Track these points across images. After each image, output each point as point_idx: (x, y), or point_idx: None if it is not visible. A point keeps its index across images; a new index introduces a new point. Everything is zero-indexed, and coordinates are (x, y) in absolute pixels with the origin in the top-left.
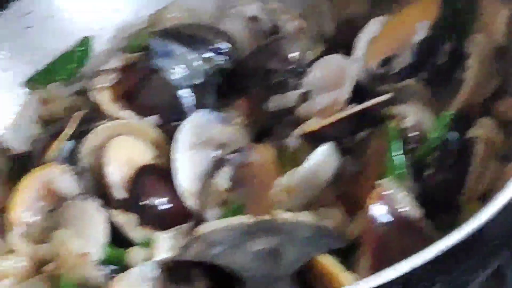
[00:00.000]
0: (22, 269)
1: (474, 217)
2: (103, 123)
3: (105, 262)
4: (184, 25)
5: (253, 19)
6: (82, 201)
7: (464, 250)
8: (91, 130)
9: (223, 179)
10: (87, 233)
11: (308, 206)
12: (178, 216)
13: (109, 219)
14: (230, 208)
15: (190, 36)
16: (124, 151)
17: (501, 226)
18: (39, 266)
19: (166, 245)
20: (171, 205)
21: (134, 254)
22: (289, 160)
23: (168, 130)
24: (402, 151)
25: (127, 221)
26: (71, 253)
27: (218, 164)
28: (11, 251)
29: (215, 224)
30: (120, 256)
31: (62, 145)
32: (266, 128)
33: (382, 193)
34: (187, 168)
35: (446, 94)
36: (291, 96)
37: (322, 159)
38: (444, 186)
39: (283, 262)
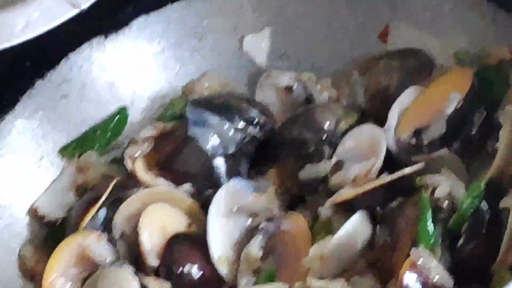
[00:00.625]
0: None
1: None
2: (138, 191)
3: None
4: (218, 94)
5: (287, 89)
6: (116, 267)
7: None
8: (125, 197)
9: (256, 247)
10: None
11: (341, 274)
12: (211, 284)
13: (142, 286)
14: (263, 275)
15: (224, 105)
16: (158, 219)
17: None
18: None
19: None
20: (204, 272)
21: None
22: (322, 229)
23: (202, 198)
24: (434, 221)
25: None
26: None
27: (251, 232)
28: None
29: None
30: None
31: (97, 212)
32: (299, 197)
33: (415, 262)
34: (220, 236)
35: (479, 164)
36: (324, 166)
37: (355, 228)
38: (476, 256)
39: None
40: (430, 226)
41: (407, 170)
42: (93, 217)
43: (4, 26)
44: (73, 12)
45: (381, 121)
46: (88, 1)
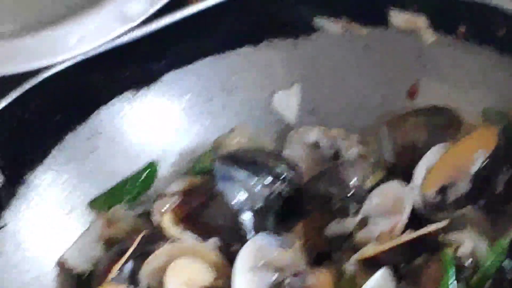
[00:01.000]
0: None
1: None
2: (164, 245)
3: None
4: (246, 150)
5: (314, 145)
6: None
7: None
8: (152, 251)
9: None
10: None
11: None
12: None
13: None
14: None
15: (252, 161)
16: (184, 272)
17: None
18: None
19: None
20: None
21: None
22: (346, 285)
23: (228, 253)
24: (457, 278)
25: None
26: None
27: (277, 287)
28: None
29: None
30: None
31: (124, 265)
32: (325, 252)
33: None
34: None
35: (503, 222)
36: (350, 222)
37: (378, 284)
38: None
39: None
40: (453, 284)
41: (432, 228)
42: (119, 270)
43: (59, 40)
44: (126, 26)
45: (408, 177)
46: (141, 16)
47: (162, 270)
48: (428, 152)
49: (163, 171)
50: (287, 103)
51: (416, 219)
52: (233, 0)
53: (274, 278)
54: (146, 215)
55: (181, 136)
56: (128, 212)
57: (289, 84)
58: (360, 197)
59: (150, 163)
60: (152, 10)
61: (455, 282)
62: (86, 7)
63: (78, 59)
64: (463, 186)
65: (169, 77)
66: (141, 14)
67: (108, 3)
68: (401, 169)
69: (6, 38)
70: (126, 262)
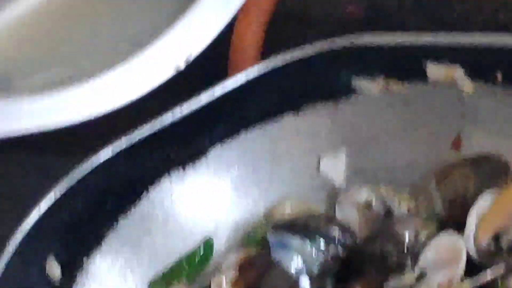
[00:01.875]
0: None
1: None
2: None
3: None
4: (298, 217)
5: (365, 205)
6: None
7: None
8: None
9: None
10: None
11: None
12: None
13: None
14: None
15: (304, 226)
16: None
17: None
18: None
19: None
20: None
21: None
22: None
23: None
24: None
25: None
26: None
27: None
28: None
29: None
30: None
31: None
32: None
33: None
34: None
35: None
36: (408, 278)
37: None
38: None
39: None
40: None
41: (488, 275)
42: None
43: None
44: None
45: (460, 228)
46: (186, 63)
47: None
48: (478, 200)
49: (217, 246)
50: (334, 166)
51: (472, 269)
52: (272, 70)
53: None
54: None
55: (232, 209)
56: None
57: (334, 148)
58: (416, 252)
59: (206, 238)
60: None
61: None
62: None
63: (123, 144)
64: None
65: (214, 152)
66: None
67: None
68: (453, 220)
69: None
70: None
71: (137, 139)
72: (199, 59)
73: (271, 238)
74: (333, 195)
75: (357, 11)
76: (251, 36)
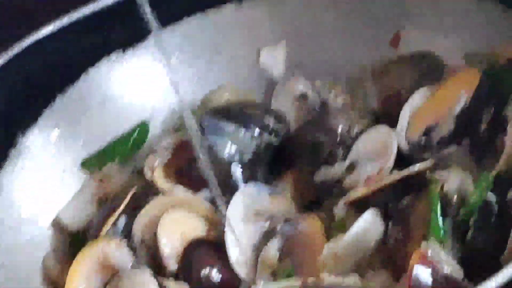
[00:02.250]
0: None
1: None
2: (156, 198)
3: None
4: (234, 103)
5: (302, 96)
6: (135, 271)
7: None
8: (145, 205)
9: (273, 250)
10: None
11: (355, 270)
12: (230, 286)
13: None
14: (281, 276)
15: (240, 114)
16: (177, 224)
17: None
18: None
19: None
20: (222, 275)
21: None
22: (336, 228)
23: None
24: (443, 215)
25: None
26: None
27: (268, 235)
28: None
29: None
30: None
31: (117, 220)
32: (315, 199)
33: (425, 255)
34: (238, 240)
35: (488, 159)
36: (338, 168)
37: (367, 225)
38: (485, 247)
39: None
40: (440, 220)
41: (417, 167)
42: (113, 225)
43: None
44: None
45: (394, 123)
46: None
47: (155, 223)
48: (412, 97)
49: (154, 129)
50: (274, 59)
51: (403, 162)
52: None
53: (266, 226)
54: (139, 173)
55: (169, 95)
56: (121, 170)
57: (275, 41)
58: (348, 143)
59: (142, 122)
60: None
61: (442, 218)
62: None
63: (65, 22)
64: (446, 127)
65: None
66: None
67: None
68: (387, 116)
69: None
70: (119, 217)
71: (78, 17)
72: None
73: (206, 122)
74: (270, 86)
75: None
76: None
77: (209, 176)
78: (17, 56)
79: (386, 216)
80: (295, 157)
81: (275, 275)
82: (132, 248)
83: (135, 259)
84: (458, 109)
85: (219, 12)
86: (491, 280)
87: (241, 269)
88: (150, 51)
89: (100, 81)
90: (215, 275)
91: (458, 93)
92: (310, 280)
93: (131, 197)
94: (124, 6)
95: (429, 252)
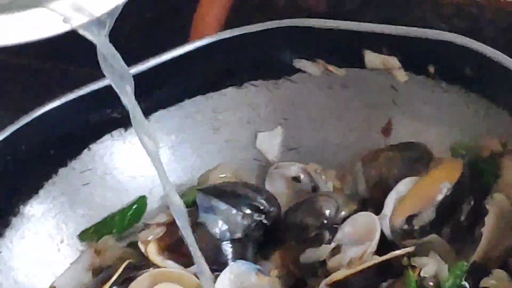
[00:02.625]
0: None
1: None
2: (148, 271)
3: None
4: (227, 183)
5: (294, 179)
6: None
7: None
8: (136, 277)
9: None
10: None
11: None
12: None
13: None
14: None
15: (232, 193)
16: None
17: None
18: None
19: None
20: None
21: None
22: None
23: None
24: None
25: None
26: None
27: None
28: None
29: None
30: None
31: None
32: (301, 279)
33: None
34: None
35: (467, 248)
36: (323, 250)
37: None
38: None
39: None
40: None
41: (397, 252)
42: None
43: None
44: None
45: (380, 210)
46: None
47: None
48: (398, 184)
49: (151, 205)
50: (270, 142)
51: (386, 247)
52: (220, 41)
53: None
54: (134, 245)
55: (169, 172)
56: (117, 242)
57: (272, 125)
58: (334, 227)
59: (140, 197)
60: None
61: None
62: None
63: (69, 98)
64: (428, 215)
65: (156, 117)
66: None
67: None
68: (374, 201)
69: None
70: (111, 287)
71: (83, 94)
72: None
73: (199, 200)
74: (265, 168)
75: (319, 4)
76: (216, 11)
77: (195, 254)
78: (20, 129)
79: None
80: (283, 238)
81: None
82: None
83: None
84: (439, 198)
85: (220, 94)
86: None
87: None
88: (152, 128)
89: (102, 156)
90: None
91: (441, 183)
92: None
93: (124, 269)
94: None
95: None
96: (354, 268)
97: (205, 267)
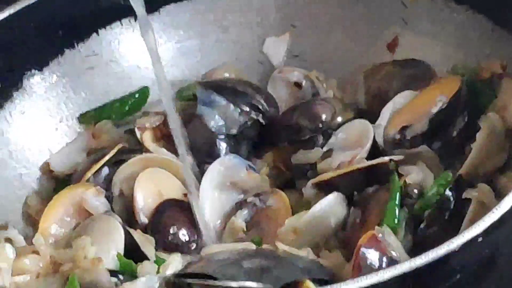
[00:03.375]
0: (41, 268)
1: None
2: (140, 156)
3: (118, 271)
4: (229, 80)
5: (296, 84)
6: (106, 216)
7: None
8: (128, 159)
9: (241, 219)
10: (105, 242)
11: (312, 248)
12: (194, 247)
13: (128, 235)
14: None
15: (232, 90)
16: (155, 182)
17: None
18: (58, 268)
19: (176, 263)
20: (188, 235)
21: (146, 267)
22: (302, 206)
23: (200, 171)
24: (401, 204)
25: (144, 240)
26: (87, 257)
27: (239, 205)
28: (35, 252)
29: (219, 247)
30: (132, 268)
31: (100, 170)
32: (290, 179)
33: (375, 236)
34: (210, 205)
35: (455, 164)
36: (315, 153)
37: (329, 206)
38: (435, 239)
39: (270, 277)
40: (397, 208)
41: (385, 159)
42: (96, 174)
43: None
44: None
45: (376, 121)
46: None
47: (134, 178)
48: (396, 97)
49: (153, 97)
50: (276, 48)
51: (377, 157)
52: None
53: (238, 197)
54: (132, 132)
55: (173, 66)
56: (114, 128)
57: (280, 31)
58: (328, 132)
59: (144, 87)
60: None
61: (399, 206)
62: None
63: None
64: (420, 127)
65: (167, 10)
66: None
67: None
68: (371, 113)
69: None
70: (102, 167)
71: None
72: None
73: (199, 93)
74: (268, 72)
75: None
76: None
77: (178, 142)
78: (35, 3)
79: (350, 203)
80: (277, 138)
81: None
82: (109, 200)
83: (109, 208)
84: (434, 111)
85: None
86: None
87: (208, 232)
88: (161, 23)
89: (109, 42)
90: (182, 234)
91: (437, 96)
92: (265, 246)
93: (117, 151)
94: None
95: (380, 235)
96: (341, 170)
97: (186, 156)
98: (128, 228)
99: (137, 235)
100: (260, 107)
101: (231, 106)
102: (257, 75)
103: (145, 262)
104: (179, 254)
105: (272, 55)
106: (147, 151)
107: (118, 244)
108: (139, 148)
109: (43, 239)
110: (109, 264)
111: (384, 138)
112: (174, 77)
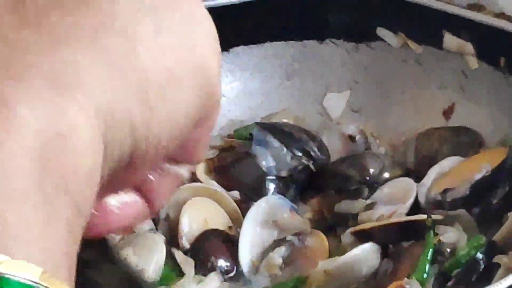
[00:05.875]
0: None
1: None
2: (191, 184)
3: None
4: (286, 124)
5: (350, 137)
6: (149, 232)
7: None
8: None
9: (278, 255)
10: (147, 254)
11: None
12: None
13: (169, 253)
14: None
15: (287, 134)
16: (202, 210)
17: None
18: None
19: (214, 283)
20: (227, 266)
21: (185, 282)
22: (338, 251)
23: (246, 208)
24: (433, 260)
25: (185, 260)
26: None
27: (278, 243)
28: None
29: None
30: (173, 279)
31: None
32: (331, 226)
33: (402, 286)
34: (250, 241)
35: (491, 230)
36: (359, 204)
37: (364, 254)
38: None
39: None
40: (428, 263)
41: (422, 216)
42: None
43: None
44: None
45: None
46: None
47: (182, 204)
48: (443, 160)
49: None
50: (336, 103)
51: (416, 213)
52: None
53: (278, 235)
54: None
55: (235, 106)
56: None
57: (343, 86)
58: (375, 185)
59: None
60: None
61: (430, 262)
62: None
63: None
64: (461, 191)
65: (236, 51)
66: None
67: None
68: (418, 173)
69: None
70: None
71: None
72: None
73: (256, 132)
74: (325, 124)
75: None
76: None
77: None
78: None
79: (384, 254)
80: (324, 185)
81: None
82: (154, 222)
83: (153, 228)
84: (476, 177)
85: (300, 44)
86: None
87: (245, 264)
88: (229, 63)
89: None
90: (221, 264)
91: (481, 164)
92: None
93: None
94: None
95: (408, 286)
96: (380, 222)
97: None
98: (171, 247)
99: (179, 254)
100: (312, 153)
101: (284, 149)
102: (315, 124)
103: (187, 277)
104: (217, 273)
105: (331, 109)
106: (198, 181)
107: (159, 259)
108: (191, 177)
109: None
110: (150, 274)
111: (426, 198)
112: (235, 116)
